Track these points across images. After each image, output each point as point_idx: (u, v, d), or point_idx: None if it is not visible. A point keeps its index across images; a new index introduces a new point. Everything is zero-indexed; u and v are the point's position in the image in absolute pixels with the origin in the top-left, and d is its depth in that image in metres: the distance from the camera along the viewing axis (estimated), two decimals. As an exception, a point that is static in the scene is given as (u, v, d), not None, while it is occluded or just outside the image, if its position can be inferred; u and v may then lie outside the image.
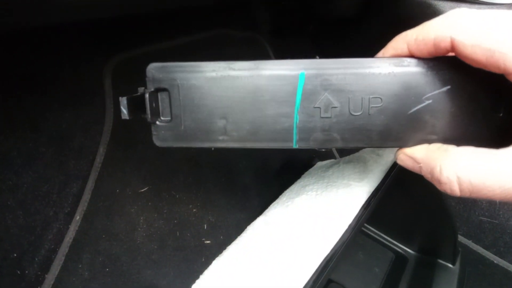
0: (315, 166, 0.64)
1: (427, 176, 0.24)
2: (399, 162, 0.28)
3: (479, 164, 0.21)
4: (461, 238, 0.67)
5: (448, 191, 0.23)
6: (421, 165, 0.25)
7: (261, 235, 0.47)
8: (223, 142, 0.28)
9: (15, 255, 0.47)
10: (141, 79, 0.69)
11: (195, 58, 0.80)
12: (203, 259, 0.58)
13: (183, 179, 0.65)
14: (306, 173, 0.61)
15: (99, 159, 0.59)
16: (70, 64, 0.58)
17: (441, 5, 0.54)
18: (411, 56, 0.25)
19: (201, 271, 0.49)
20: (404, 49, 0.25)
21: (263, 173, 0.75)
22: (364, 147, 0.30)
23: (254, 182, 0.72)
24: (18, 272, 0.47)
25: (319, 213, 0.44)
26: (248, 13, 0.93)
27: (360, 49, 0.84)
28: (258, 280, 0.38)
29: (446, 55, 0.24)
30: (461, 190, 0.22)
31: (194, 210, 0.62)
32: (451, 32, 0.22)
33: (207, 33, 0.85)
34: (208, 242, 0.60)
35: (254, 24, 0.95)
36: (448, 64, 0.25)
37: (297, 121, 0.27)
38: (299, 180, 0.59)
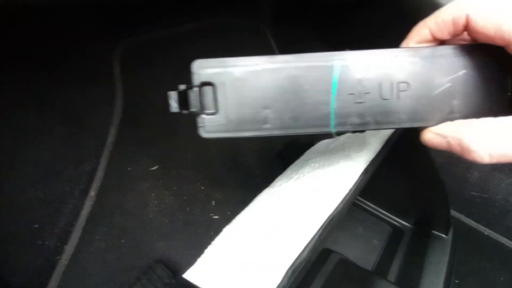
0: (317, 143, 0.67)
1: (456, 148, 0.27)
2: (426, 140, 0.30)
3: (500, 131, 0.25)
4: (453, 213, 0.71)
5: (478, 159, 0.25)
6: (449, 139, 0.27)
7: (267, 204, 0.50)
8: (267, 131, 0.30)
9: (36, 226, 0.49)
10: (148, 62, 0.72)
11: (201, 44, 0.82)
12: (212, 233, 0.60)
13: (191, 158, 0.68)
14: (309, 149, 0.65)
15: (110, 139, 0.62)
16: (80, 44, 0.60)
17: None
18: (433, 41, 0.29)
19: (210, 243, 0.52)
20: (426, 34, 0.29)
21: (266, 154, 0.78)
22: (395, 128, 0.33)
23: (258, 163, 0.75)
24: (40, 242, 0.50)
25: (320, 182, 0.47)
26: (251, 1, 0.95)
27: (362, 35, 0.87)
28: (261, 245, 0.41)
29: (462, 34, 0.28)
30: (489, 156, 0.25)
31: (202, 187, 0.65)
32: (466, 11, 0.25)
33: (211, 21, 0.87)
34: (216, 217, 0.63)
35: (255, 12, 0.97)
36: (463, 51, 0.28)
37: (334, 107, 0.29)
38: (302, 156, 0.62)
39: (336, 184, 0.43)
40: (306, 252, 0.35)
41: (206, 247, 0.52)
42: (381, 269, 0.60)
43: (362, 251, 0.63)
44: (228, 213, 0.65)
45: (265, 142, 0.79)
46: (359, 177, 0.43)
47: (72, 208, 0.55)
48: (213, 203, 0.64)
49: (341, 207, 0.39)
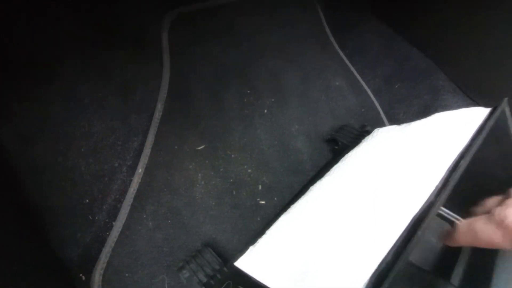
0: (375, 133, 0.61)
1: None
2: None
3: None
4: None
5: None
6: None
7: (331, 196, 0.45)
8: None
9: (87, 201, 0.48)
10: (197, 34, 0.68)
11: (250, 16, 0.76)
12: (259, 218, 0.58)
13: (238, 139, 0.65)
14: (367, 138, 0.59)
15: (157, 115, 0.59)
16: (130, 17, 0.57)
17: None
18: None
19: (257, 230, 0.49)
20: None
21: (315, 138, 0.73)
22: None
23: (306, 146, 0.71)
24: (90, 217, 0.49)
25: (396, 178, 0.42)
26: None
27: (421, 17, 0.77)
28: (332, 244, 0.37)
29: None
30: None
31: (249, 170, 0.62)
32: None
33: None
34: (262, 202, 0.60)
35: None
36: None
37: None
38: (361, 145, 0.56)
39: (416, 183, 0.38)
40: (390, 257, 0.30)
41: (252, 233, 0.49)
42: (442, 272, 0.55)
43: (420, 251, 0.58)
44: (275, 199, 0.61)
45: (313, 125, 0.74)
46: (445, 177, 0.37)
47: (120, 184, 0.53)
48: (260, 187, 0.61)
49: (429, 209, 0.33)
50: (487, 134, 0.46)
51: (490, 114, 0.46)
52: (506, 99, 0.45)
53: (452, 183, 0.37)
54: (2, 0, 0.39)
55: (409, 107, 0.83)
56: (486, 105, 0.62)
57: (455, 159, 0.42)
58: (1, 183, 0.41)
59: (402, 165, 0.45)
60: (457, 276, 0.53)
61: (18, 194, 0.42)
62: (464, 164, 0.39)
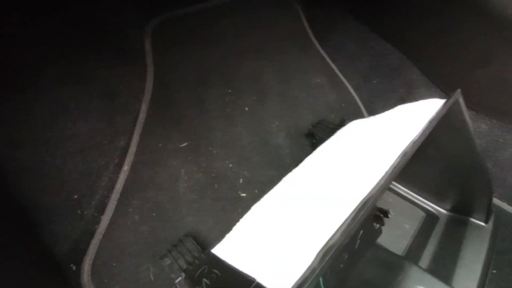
0: (349, 123, 0.64)
1: None
2: None
3: None
4: (495, 200, 0.67)
5: None
6: None
7: (296, 185, 0.49)
8: None
9: (76, 197, 0.52)
10: (179, 38, 0.72)
11: (231, 19, 0.80)
12: (240, 210, 0.62)
13: (220, 136, 0.68)
14: (340, 130, 0.62)
15: (142, 116, 0.63)
16: (113, 22, 0.61)
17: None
18: None
19: (238, 220, 0.52)
20: None
21: (295, 133, 0.76)
22: None
23: (286, 142, 0.74)
24: (79, 212, 0.53)
25: (354, 164, 0.45)
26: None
27: (394, 15, 0.81)
28: (292, 226, 0.41)
29: None
30: None
31: (230, 165, 0.66)
32: None
33: (240, -6, 0.84)
34: (243, 195, 0.63)
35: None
36: None
37: None
38: (333, 136, 0.60)
39: (370, 167, 0.41)
40: (338, 235, 0.34)
41: (234, 224, 0.53)
42: (413, 255, 0.58)
43: (392, 236, 0.61)
44: (256, 191, 0.65)
45: (293, 121, 0.78)
46: (397, 160, 0.41)
47: (107, 181, 0.57)
48: (241, 181, 0.65)
49: (375, 191, 0.37)
50: (440, 121, 0.49)
51: (444, 104, 0.49)
52: (459, 90, 0.49)
53: (401, 163, 0.41)
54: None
55: (386, 101, 0.87)
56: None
57: (409, 143, 0.45)
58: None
59: (363, 151, 0.49)
60: (425, 260, 0.57)
61: (8, 195, 0.45)
62: (414, 146, 0.43)
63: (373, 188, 0.39)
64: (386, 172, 0.41)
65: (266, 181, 0.67)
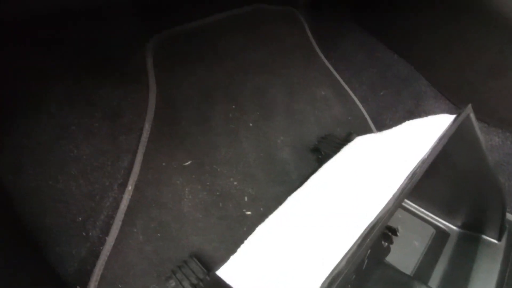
0: (354, 140, 0.63)
1: None
2: None
3: None
4: (509, 216, 0.64)
5: None
6: None
7: (302, 205, 0.48)
8: None
9: (80, 219, 0.52)
10: (181, 56, 0.72)
11: (234, 33, 0.81)
12: (245, 228, 0.61)
13: (224, 153, 0.68)
14: (346, 146, 0.61)
15: (145, 135, 0.63)
16: (116, 41, 0.62)
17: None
18: None
19: (243, 239, 0.52)
20: None
21: (301, 148, 0.76)
22: None
23: (291, 157, 0.74)
24: (84, 234, 0.53)
25: (361, 184, 0.44)
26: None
27: (402, 25, 0.80)
28: (298, 250, 0.40)
29: None
30: None
31: (235, 183, 0.65)
32: None
33: (243, 9, 0.85)
34: (249, 213, 0.63)
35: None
36: None
37: None
38: (339, 154, 0.59)
39: (379, 186, 0.40)
40: (344, 262, 0.33)
41: (239, 243, 0.52)
42: (422, 274, 0.57)
43: (401, 254, 0.60)
44: (261, 209, 0.64)
45: (298, 136, 0.77)
46: (406, 180, 0.39)
47: (111, 201, 0.57)
48: (246, 199, 0.64)
49: (384, 214, 0.36)
50: (451, 137, 0.48)
51: (454, 120, 0.48)
52: (469, 105, 0.48)
53: (410, 183, 0.39)
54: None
55: (394, 113, 0.85)
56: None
57: (418, 162, 0.44)
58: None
59: (371, 170, 0.48)
60: (435, 279, 0.55)
61: (14, 218, 0.46)
62: (424, 165, 0.41)
63: (382, 210, 0.38)
64: (395, 194, 0.40)
65: (271, 198, 0.66)
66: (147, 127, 0.64)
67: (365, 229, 0.36)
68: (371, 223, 0.37)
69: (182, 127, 0.67)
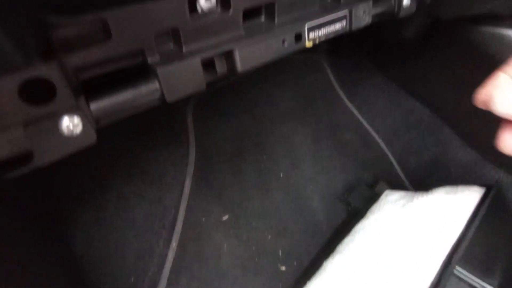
0: (385, 198, 0.66)
1: None
2: None
3: None
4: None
5: None
6: None
7: (341, 276, 0.51)
8: None
9: (132, 279, 0.57)
10: (214, 110, 0.77)
11: (260, 84, 0.85)
12: (280, 285, 0.64)
13: (258, 206, 0.71)
14: (378, 207, 0.64)
15: (186, 191, 0.68)
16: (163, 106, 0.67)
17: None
18: None
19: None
20: None
21: (329, 196, 0.78)
22: None
23: (321, 206, 0.76)
24: (134, 293, 0.57)
25: (402, 253, 0.47)
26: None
27: (422, 73, 0.83)
28: None
29: None
30: None
31: (269, 237, 0.68)
32: None
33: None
34: (283, 268, 0.66)
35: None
36: None
37: None
38: (372, 215, 0.61)
39: (424, 257, 0.43)
40: None
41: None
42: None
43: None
44: (295, 263, 0.67)
45: (326, 183, 0.80)
46: (455, 244, 0.42)
47: (157, 258, 0.61)
48: (280, 253, 0.67)
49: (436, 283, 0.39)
50: (486, 210, 0.50)
51: (486, 194, 0.50)
52: (496, 181, 0.50)
53: (458, 251, 0.42)
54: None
55: (420, 158, 0.87)
56: (495, 161, 0.66)
57: (460, 233, 0.47)
58: (61, 273, 0.50)
59: (409, 240, 0.51)
60: None
61: (71, 282, 0.50)
62: (467, 237, 0.44)
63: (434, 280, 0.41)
64: (438, 273, 0.43)
65: (304, 252, 0.69)
66: (187, 182, 0.68)
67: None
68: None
69: (218, 180, 0.71)
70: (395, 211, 0.59)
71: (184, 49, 0.36)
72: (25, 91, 0.26)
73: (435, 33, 0.71)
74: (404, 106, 0.91)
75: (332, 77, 1.00)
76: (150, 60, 0.34)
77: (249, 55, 0.37)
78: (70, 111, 0.29)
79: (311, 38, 0.43)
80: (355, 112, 0.97)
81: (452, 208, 0.52)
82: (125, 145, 0.59)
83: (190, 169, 0.70)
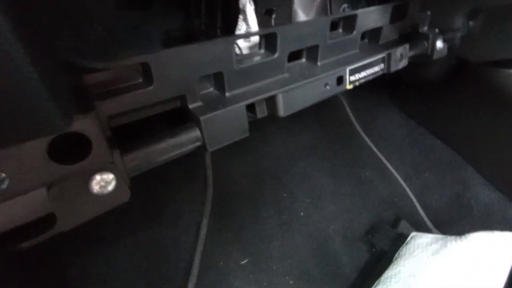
0: (413, 242, 0.62)
1: None
2: None
3: None
4: None
5: None
6: None
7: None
8: None
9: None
10: (233, 146, 0.74)
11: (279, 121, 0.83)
12: (305, 336, 0.59)
13: (278, 247, 0.67)
14: (407, 251, 0.60)
15: (203, 232, 0.64)
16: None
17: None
18: None
19: None
20: None
21: (351, 236, 0.74)
22: None
23: (344, 248, 0.72)
24: None
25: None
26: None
27: (443, 112, 0.82)
28: None
29: None
30: None
31: (291, 282, 0.64)
32: None
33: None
34: (307, 317, 0.61)
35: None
36: None
37: None
38: (402, 261, 0.58)
39: None
40: None
41: None
42: None
43: None
44: (319, 311, 0.62)
45: (347, 223, 0.76)
46: None
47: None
48: (303, 300, 0.62)
49: None
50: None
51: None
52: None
53: None
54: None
55: (441, 196, 0.84)
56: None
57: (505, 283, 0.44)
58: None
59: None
60: None
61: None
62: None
63: None
64: None
65: (328, 299, 0.64)
66: (205, 223, 0.64)
67: None
68: None
69: (237, 220, 0.68)
70: (428, 258, 0.55)
71: (227, 94, 0.34)
72: (53, 147, 0.22)
73: (458, 74, 0.70)
74: (423, 142, 0.89)
75: (349, 112, 0.99)
76: (191, 106, 0.32)
77: (292, 99, 0.35)
78: (104, 167, 0.25)
79: (352, 80, 0.41)
80: (373, 147, 0.95)
81: (492, 256, 0.48)
82: (141, 183, 0.56)
83: (208, 208, 0.67)
